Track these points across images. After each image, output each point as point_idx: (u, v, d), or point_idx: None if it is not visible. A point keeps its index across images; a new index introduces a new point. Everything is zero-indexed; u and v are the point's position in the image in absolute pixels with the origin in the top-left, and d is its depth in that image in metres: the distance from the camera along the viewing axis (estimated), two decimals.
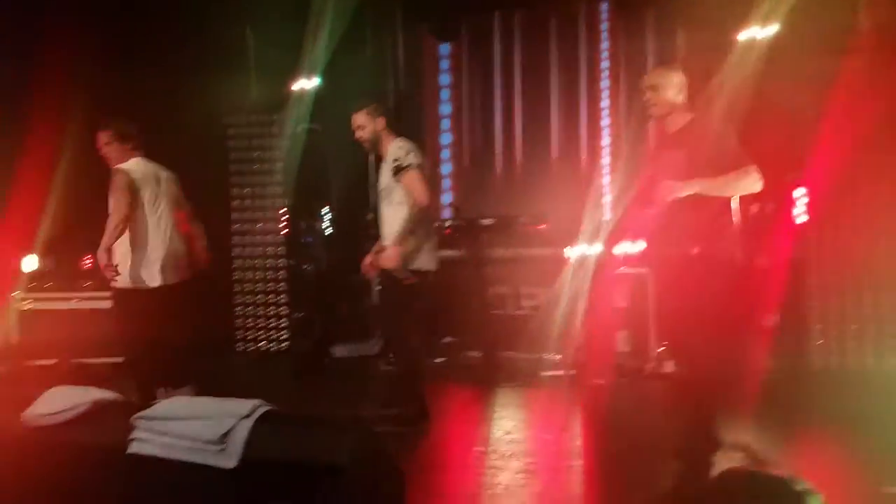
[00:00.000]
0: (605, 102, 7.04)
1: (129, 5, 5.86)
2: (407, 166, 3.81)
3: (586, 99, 7.13)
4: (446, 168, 7.61)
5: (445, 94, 7.64)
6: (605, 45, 7.01)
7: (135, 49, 5.80)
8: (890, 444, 3.28)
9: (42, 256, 5.67)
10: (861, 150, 4.78)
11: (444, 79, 7.64)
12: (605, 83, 7.02)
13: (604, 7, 7.00)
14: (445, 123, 7.65)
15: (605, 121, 7.06)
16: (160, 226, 4.04)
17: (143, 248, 3.98)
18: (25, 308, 5.44)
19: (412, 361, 4.06)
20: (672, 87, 3.14)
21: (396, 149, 3.91)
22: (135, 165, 4.07)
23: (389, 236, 3.89)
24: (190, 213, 4.28)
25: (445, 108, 7.63)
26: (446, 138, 7.66)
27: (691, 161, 3.00)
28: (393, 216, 3.89)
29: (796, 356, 5.04)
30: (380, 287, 4.37)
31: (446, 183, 7.57)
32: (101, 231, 3.92)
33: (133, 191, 3.96)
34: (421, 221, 3.85)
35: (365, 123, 3.96)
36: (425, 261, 3.91)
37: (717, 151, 2.99)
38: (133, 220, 3.95)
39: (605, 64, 7.02)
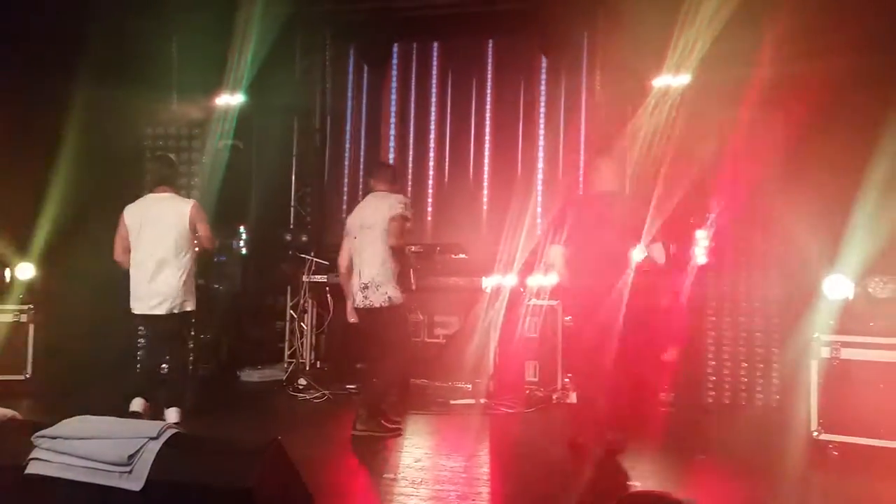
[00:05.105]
0: (532, 135, 7.19)
1: (48, 13, 5.61)
2: None
3: (507, 132, 7.29)
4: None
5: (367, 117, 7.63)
6: (538, 80, 7.17)
7: (55, 57, 5.54)
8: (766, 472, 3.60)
9: None
10: (755, 197, 5.17)
11: (367, 101, 7.63)
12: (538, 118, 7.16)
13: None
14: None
15: (525, 155, 7.22)
16: None
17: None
18: None
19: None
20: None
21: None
22: None
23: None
24: None
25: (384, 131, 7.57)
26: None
27: (616, 220, 3.90)
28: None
29: (693, 390, 5.31)
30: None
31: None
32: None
33: None
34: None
35: None
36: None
37: (634, 219, 3.92)
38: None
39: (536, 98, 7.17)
